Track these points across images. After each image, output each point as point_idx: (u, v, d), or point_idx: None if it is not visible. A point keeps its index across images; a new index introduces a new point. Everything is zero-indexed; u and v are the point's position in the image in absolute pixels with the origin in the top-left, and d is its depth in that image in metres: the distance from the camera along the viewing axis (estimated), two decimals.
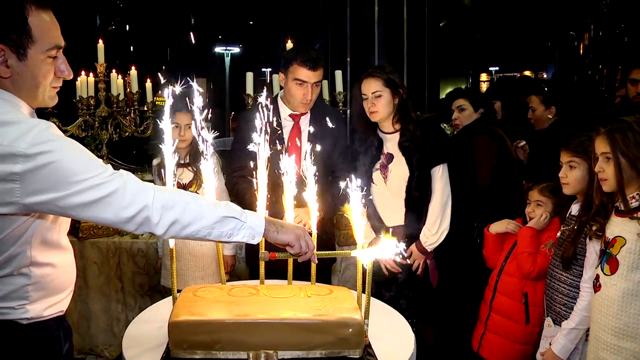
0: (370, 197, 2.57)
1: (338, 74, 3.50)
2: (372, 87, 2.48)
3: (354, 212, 1.63)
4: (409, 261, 2.53)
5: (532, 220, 2.40)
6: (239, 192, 2.51)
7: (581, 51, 7.36)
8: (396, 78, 2.50)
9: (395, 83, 2.49)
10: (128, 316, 3.24)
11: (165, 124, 1.65)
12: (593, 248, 1.92)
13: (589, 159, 2.01)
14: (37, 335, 1.39)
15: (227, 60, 9.87)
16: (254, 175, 1.83)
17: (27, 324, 1.36)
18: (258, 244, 1.77)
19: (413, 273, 2.55)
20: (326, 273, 2.74)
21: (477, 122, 3.16)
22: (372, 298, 1.65)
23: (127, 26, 7.40)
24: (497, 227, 2.54)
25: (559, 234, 2.18)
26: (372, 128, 2.59)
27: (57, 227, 1.40)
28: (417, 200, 2.51)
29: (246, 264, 2.98)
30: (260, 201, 1.81)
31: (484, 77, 10.00)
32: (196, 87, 1.71)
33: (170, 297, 1.81)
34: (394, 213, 2.54)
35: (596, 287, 1.83)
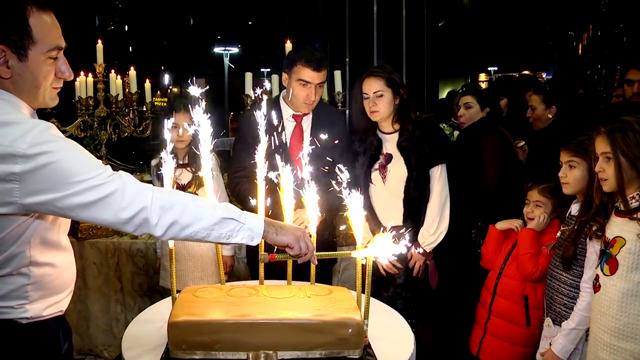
0: (369, 197, 2.57)
1: (337, 74, 3.50)
2: (373, 86, 2.48)
3: (353, 213, 1.63)
4: (409, 264, 2.53)
5: (532, 222, 2.39)
6: (240, 192, 2.51)
7: (580, 51, 7.37)
8: (397, 78, 2.51)
9: (397, 83, 2.49)
10: (127, 316, 3.24)
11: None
12: (593, 248, 1.92)
13: (589, 159, 2.01)
14: (37, 335, 1.39)
15: (226, 60, 9.87)
16: (255, 176, 1.83)
17: (27, 324, 1.36)
18: (258, 245, 1.77)
19: (411, 274, 2.55)
20: (327, 274, 2.74)
21: (484, 120, 3.12)
22: (371, 298, 1.64)
23: (126, 26, 7.39)
24: (504, 224, 2.53)
25: (558, 233, 2.18)
26: (371, 128, 2.59)
27: (56, 228, 1.40)
28: (415, 201, 2.51)
29: (247, 264, 2.97)
30: (260, 202, 1.80)
31: (482, 77, 10.01)
32: (195, 90, 1.71)
33: (170, 298, 1.81)
34: (393, 213, 2.54)
35: (596, 287, 1.83)
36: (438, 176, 2.51)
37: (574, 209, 2.14)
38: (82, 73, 3.42)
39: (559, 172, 2.15)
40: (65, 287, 1.47)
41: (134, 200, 1.28)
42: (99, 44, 3.41)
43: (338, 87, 3.48)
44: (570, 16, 7.46)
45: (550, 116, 3.42)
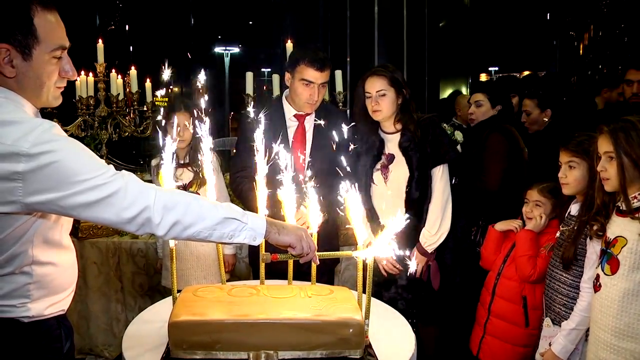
0: (371, 197, 2.57)
1: (338, 73, 3.50)
2: (376, 85, 2.47)
3: (355, 213, 1.63)
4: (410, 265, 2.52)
5: (530, 223, 2.38)
6: (242, 192, 2.51)
7: (581, 51, 7.36)
8: (400, 77, 2.50)
9: (400, 82, 2.48)
10: (128, 316, 3.24)
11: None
12: (593, 248, 1.91)
13: (589, 159, 2.00)
14: (38, 333, 1.39)
15: (227, 60, 9.86)
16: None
17: (28, 323, 1.36)
18: (259, 245, 1.77)
19: (412, 274, 2.54)
20: (330, 274, 2.74)
21: (493, 119, 3.07)
22: (372, 298, 1.64)
23: (127, 26, 7.39)
24: (503, 225, 2.52)
25: (558, 234, 2.17)
26: (374, 128, 2.59)
27: (59, 227, 1.40)
28: (417, 201, 2.50)
29: (249, 264, 2.97)
30: (261, 201, 1.80)
31: (483, 77, 10.00)
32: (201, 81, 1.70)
33: (170, 297, 1.81)
34: (394, 214, 2.53)
35: (596, 287, 1.83)
36: (439, 177, 2.50)
37: (574, 209, 2.14)
38: (82, 72, 3.42)
39: (559, 172, 2.14)
40: (67, 286, 1.47)
41: (136, 199, 1.28)
42: (100, 44, 3.41)
43: (339, 86, 3.48)
44: (572, 16, 7.46)
45: (545, 119, 3.39)
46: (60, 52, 1.35)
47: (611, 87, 4.17)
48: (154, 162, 2.86)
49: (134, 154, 5.06)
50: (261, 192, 1.80)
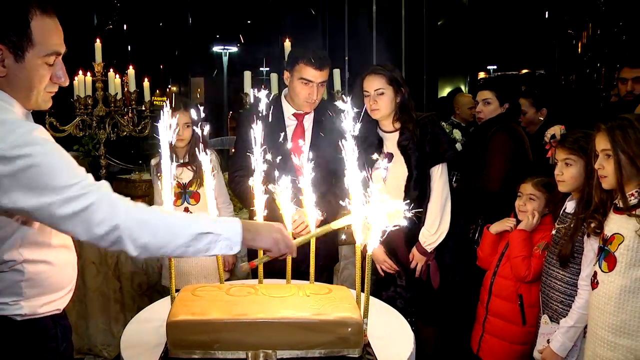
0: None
1: (336, 72, 3.50)
2: (374, 84, 2.47)
3: (354, 211, 1.62)
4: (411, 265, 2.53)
5: (522, 222, 2.39)
6: (241, 191, 2.51)
7: (579, 50, 7.36)
8: (399, 76, 2.50)
9: (398, 81, 2.48)
10: (126, 316, 3.24)
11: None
12: (591, 246, 1.92)
13: (585, 156, 2.01)
14: (33, 332, 1.39)
15: (225, 59, 9.86)
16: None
17: (22, 321, 1.36)
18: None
19: (412, 274, 2.54)
20: (328, 273, 2.74)
21: (500, 117, 3.01)
22: (371, 297, 1.64)
23: (125, 25, 7.38)
24: (497, 226, 2.53)
25: (554, 231, 2.18)
26: (372, 126, 2.59)
27: (46, 228, 1.38)
28: (415, 200, 2.50)
29: (249, 262, 2.97)
30: (259, 201, 1.80)
31: (481, 76, 10.00)
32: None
33: (169, 297, 1.80)
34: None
35: (593, 284, 1.83)
36: (438, 176, 2.50)
37: (569, 206, 2.14)
38: (80, 72, 3.42)
39: (555, 170, 2.14)
40: (63, 285, 1.46)
41: (106, 217, 1.25)
42: (98, 43, 3.40)
43: (337, 85, 3.47)
44: (570, 15, 7.46)
45: (541, 119, 3.38)
46: (53, 58, 1.34)
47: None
48: (153, 162, 2.86)
49: (132, 153, 5.06)
50: (259, 192, 1.80)
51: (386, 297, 2.47)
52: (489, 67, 10.02)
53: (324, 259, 2.51)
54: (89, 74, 3.45)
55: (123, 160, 4.54)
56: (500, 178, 2.81)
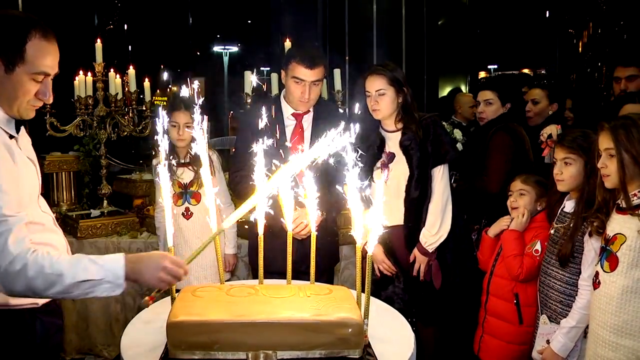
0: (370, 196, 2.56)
1: (336, 72, 3.50)
2: (375, 84, 2.47)
3: (354, 211, 1.62)
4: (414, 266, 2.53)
5: (512, 222, 2.39)
6: (241, 191, 2.51)
7: (580, 49, 7.35)
8: (400, 76, 2.49)
9: (400, 81, 2.48)
10: (127, 316, 3.23)
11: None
12: (592, 245, 1.91)
13: (584, 155, 2.01)
14: (4, 322, 1.43)
15: (226, 59, 9.85)
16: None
17: None
18: (258, 244, 1.76)
19: (410, 275, 2.54)
20: (329, 273, 2.74)
21: (502, 117, 2.97)
22: (371, 298, 1.64)
23: (125, 25, 7.38)
24: (494, 228, 2.53)
25: (552, 231, 2.17)
26: (374, 126, 2.58)
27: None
28: (416, 201, 2.50)
29: (249, 263, 2.97)
30: (260, 202, 1.79)
31: (482, 75, 9.99)
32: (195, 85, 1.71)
33: (169, 297, 1.80)
34: (394, 213, 2.53)
35: (595, 284, 1.83)
36: (440, 177, 2.50)
37: (568, 205, 2.13)
38: (81, 72, 3.41)
39: (554, 169, 2.14)
40: None
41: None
42: (98, 43, 3.40)
43: (338, 85, 3.47)
44: (571, 14, 7.45)
45: (550, 112, 3.37)
46: (42, 77, 1.44)
47: None
48: (154, 162, 2.86)
49: (133, 153, 5.06)
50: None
51: (385, 298, 2.46)
52: (489, 67, 10.01)
53: (325, 259, 2.50)
54: (89, 74, 3.45)
55: (124, 160, 4.54)
56: (500, 179, 2.77)
